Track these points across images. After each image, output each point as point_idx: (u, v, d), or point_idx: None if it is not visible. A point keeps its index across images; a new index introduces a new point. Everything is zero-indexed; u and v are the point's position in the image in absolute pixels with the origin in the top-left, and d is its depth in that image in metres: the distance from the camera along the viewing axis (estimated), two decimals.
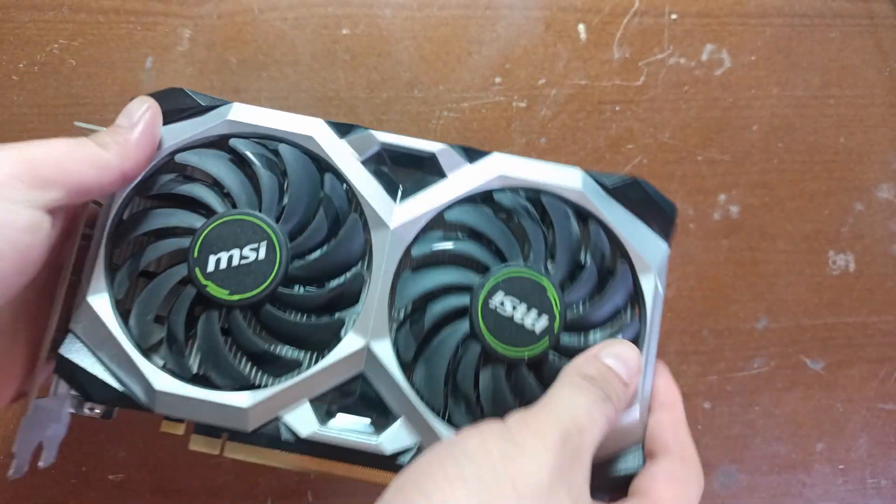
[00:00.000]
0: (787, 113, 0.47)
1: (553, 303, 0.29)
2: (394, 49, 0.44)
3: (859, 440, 0.46)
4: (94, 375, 0.29)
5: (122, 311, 0.30)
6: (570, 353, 0.29)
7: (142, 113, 0.29)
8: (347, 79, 0.43)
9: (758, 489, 0.45)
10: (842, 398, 0.46)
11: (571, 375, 0.27)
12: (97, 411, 0.31)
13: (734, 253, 0.46)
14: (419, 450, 0.29)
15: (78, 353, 0.29)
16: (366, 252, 0.31)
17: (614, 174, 0.32)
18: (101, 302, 0.29)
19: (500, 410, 0.28)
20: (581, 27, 0.45)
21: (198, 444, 0.30)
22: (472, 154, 0.32)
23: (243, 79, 0.42)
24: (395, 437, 0.29)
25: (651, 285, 0.31)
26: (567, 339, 0.30)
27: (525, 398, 0.29)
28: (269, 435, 0.29)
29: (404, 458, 0.29)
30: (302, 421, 0.29)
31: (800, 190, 0.47)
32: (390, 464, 0.29)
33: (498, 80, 0.44)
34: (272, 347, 0.30)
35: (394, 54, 0.44)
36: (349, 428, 0.29)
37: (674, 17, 0.46)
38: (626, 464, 0.29)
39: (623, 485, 0.29)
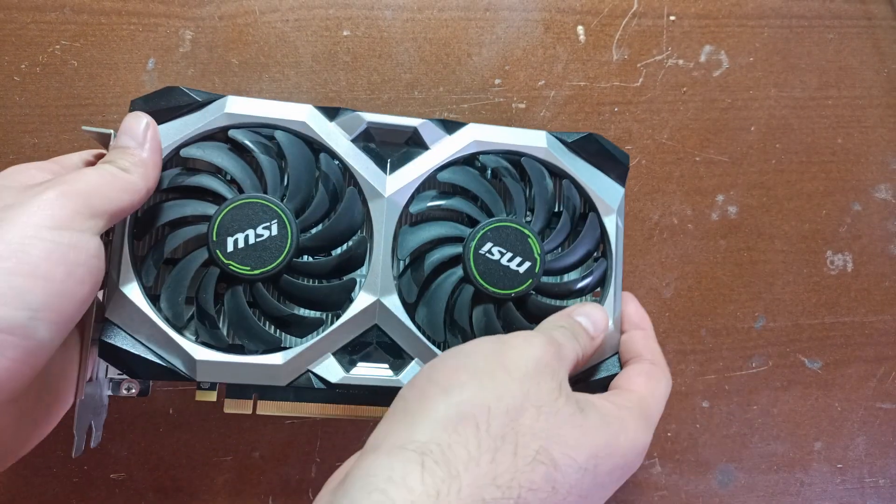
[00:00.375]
0: (784, 114, 0.47)
1: (534, 249, 0.34)
2: (394, 51, 0.44)
3: (857, 439, 0.47)
4: (136, 355, 0.31)
5: (152, 296, 0.32)
6: (548, 293, 0.35)
7: (144, 130, 0.31)
8: (348, 80, 0.44)
9: (756, 488, 0.46)
10: (840, 397, 0.47)
11: (547, 323, 0.32)
12: (133, 391, 0.34)
13: (732, 253, 0.46)
14: None
15: (118, 338, 0.31)
16: (365, 220, 0.34)
17: (574, 132, 0.36)
18: (132, 290, 0.32)
19: None
20: (580, 29, 0.45)
21: (231, 407, 0.34)
22: (450, 126, 0.35)
23: (245, 80, 0.43)
24: (411, 373, 0.33)
25: (613, 225, 0.36)
26: (546, 280, 0.35)
27: (513, 329, 0.33)
28: (303, 386, 0.33)
29: None
30: (329, 371, 0.33)
31: (797, 190, 0.47)
32: None
33: (497, 81, 0.45)
34: (296, 311, 0.33)
35: (394, 56, 0.44)
36: (371, 371, 0.33)
37: (672, 18, 0.46)
38: (606, 369, 0.35)
39: (604, 386, 0.34)
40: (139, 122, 0.31)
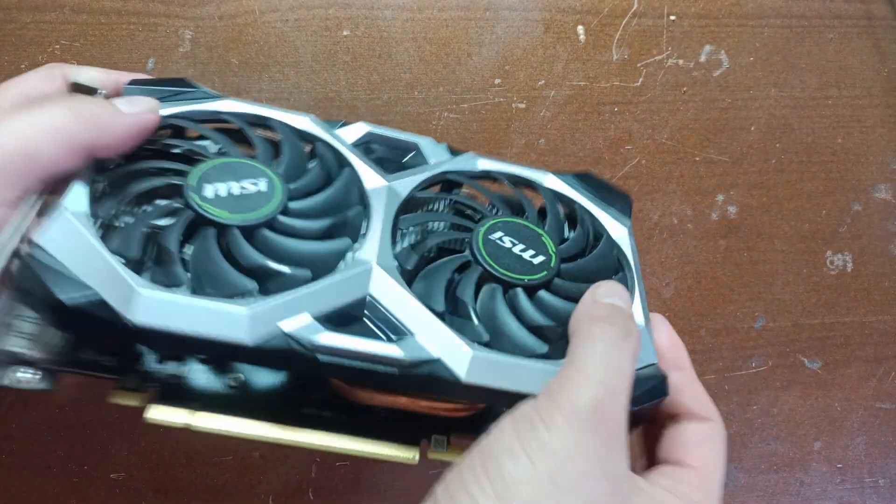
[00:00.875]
0: (784, 114, 0.47)
1: (548, 246, 0.30)
2: (394, 50, 0.44)
3: (857, 439, 0.47)
4: (60, 272, 0.24)
5: (105, 236, 0.26)
6: (564, 295, 0.29)
7: (145, 111, 0.28)
8: (348, 80, 0.43)
9: (756, 488, 0.46)
10: (839, 397, 0.47)
11: (584, 323, 0.26)
12: (33, 378, 0.27)
13: (732, 253, 0.46)
14: (439, 363, 0.26)
15: (42, 259, 0.24)
16: (363, 198, 0.30)
17: (571, 172, 0.35)
18: (77, 211, 0.26)
19: (496, 325, 0.28)
20: (580, 29, 0.45)
21: (158, 414, 0.26)
22: (453, 151, 0.34)
23: (244, 80, 0.43)
24: (413, 347, 0.26)
25: (628, 245, 0.33)
26: (560, 283, 0.30)
27: (521, 318, 0.28)
28: (274, 349, 0.25)
29: (424, 369, 0.26)
30: (309, 331, 0.25)
31: (797, 190, 0.47)
32: (408, 382, 0.26)
33: (497, 81, 0.45)
34: (274, 266, 0.27)
35: (394, 56, 0.44)
36: (363, 342, 0.26)
37: (672, 18, 0.46)
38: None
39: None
40: (151, 105, 0.28)
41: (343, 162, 0.32)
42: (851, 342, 0.47)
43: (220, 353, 0.25)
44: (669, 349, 0.30)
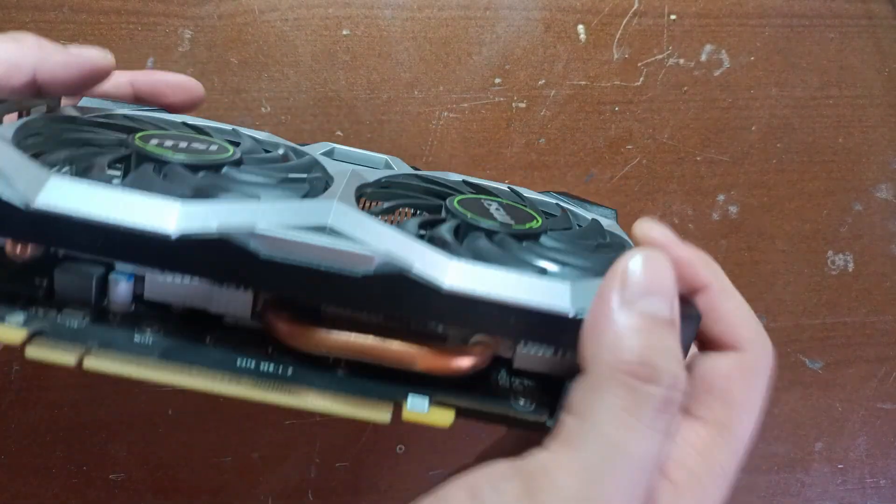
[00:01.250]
0: (785, 113, 0.47)
1: (533, 221, 0.26)
2: (394, 50, 0.44)
3: (858, 440, 0.47)
4: None
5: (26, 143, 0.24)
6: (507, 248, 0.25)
7: (93, 53, 0.27)
8: (348, 79, 0.43)
9: (756, 488, 0.46)
10: (841, 398, 0.47)
11: (606, 374, 0.17)
12: None
13: (733, 253, 0.46)
14: (413, 269, 0.21)
15: None
16: (325, 174, 0.28)
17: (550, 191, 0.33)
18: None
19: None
20: (580, 28, 0.45)
21: (43, 350, 0.21)
22: (420, 171, 0.32)
23: (244, 79, 0.43)
24: (382, 250, 0.21)
25: (617, 228, 0.30)
26: (518, 246, 0.24)
27: (434, 241, 0.23)
28: (204, 243, 0.20)
29: (395, 269, 0.20)
30: (249, 224, 0.21)
31: (798, 190, 0.47)
32: (373, 291, 0.21)
33: (498, 80, 0.44)
34: (217, 182, 0.23)
35: (394, 55, 0.44)
36: (314, 234, 0.21)
37: (673, 17, 0.46)
38: None
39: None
40: (107, 57, 0.28)
41: (303, 155, 0.31)
42: (853, 342, 0.47)
43: (135, 252, 0.21)
44: (684, 272, 0.19)
